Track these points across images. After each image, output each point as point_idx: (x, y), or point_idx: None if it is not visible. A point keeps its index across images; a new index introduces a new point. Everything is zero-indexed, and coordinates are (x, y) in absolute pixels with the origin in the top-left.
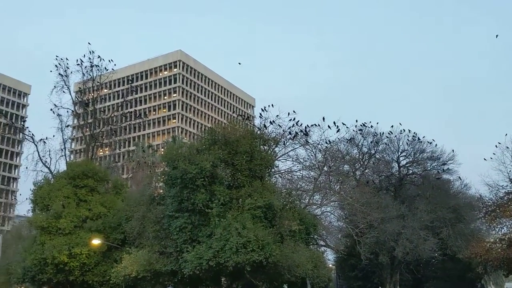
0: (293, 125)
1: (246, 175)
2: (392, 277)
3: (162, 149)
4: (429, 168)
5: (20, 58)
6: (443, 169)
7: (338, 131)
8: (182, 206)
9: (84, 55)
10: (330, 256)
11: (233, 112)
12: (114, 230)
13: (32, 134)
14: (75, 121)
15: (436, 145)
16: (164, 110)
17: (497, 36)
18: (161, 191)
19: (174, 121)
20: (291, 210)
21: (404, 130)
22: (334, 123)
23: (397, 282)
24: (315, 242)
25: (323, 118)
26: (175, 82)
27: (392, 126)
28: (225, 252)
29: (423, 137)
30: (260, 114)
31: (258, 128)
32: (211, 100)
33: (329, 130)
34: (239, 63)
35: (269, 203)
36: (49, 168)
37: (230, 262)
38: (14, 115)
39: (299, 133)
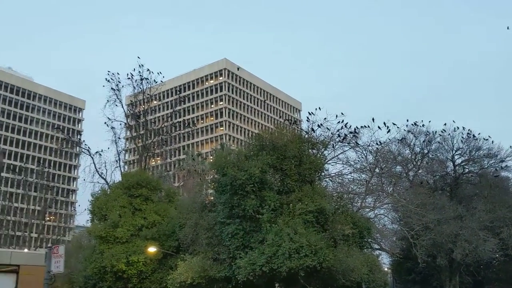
0: (342, 127)
1: (295, 180)
2: (452, 280)
3: (211, 157)
4: (486, 166)
5: (74, 74)
6: (501, 166)
7: (388, 131)
8: (233, 213)
9: (134, 69)
10: (385, 260)
11: (280, 117)
12: (169, 238)
13: (88, 147)
14: (128, 133)
15: (492, 141)
16: (212, 118)
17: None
18: (212, 198)
19: (222, 128)
20: (343, 214)
21: (458, 128)
22: (384, 123)
23: (457, 285)
24: (369, 245)
25: (373, 119)
26: (221, 90)
27: (445, 124)
28: (278, 257)
29: (479, 134)
30: (307, 117)
31: (305, 131)
32: (257, 106)
33: (379, 131)
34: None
35: (320, 208)
36: (105, 179)
37: (283, 268)
38: (71, 129)
39: (348, 135)
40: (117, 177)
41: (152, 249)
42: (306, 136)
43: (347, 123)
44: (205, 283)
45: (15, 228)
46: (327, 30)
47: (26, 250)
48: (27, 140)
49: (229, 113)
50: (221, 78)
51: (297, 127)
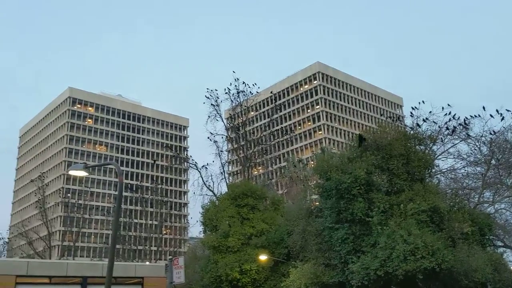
0: (450, 119)
1: (404, 179)
2: None
3: (312, 162)
4: None
5: (177, 94)
6: None
7: (502, 119)
8: (341, 217)
9: (231, 83)
10: (511, 257)
11: (381, 115)
12: (278, 245)
13: (195, 162)
14: (229, 145)
15: None
16: (309, 123)
17: None
18: (317, 203)
19: (320, 132)
20: (460, 211)
21: None
22: (497, 111)
23: None
24: (492, 243)
25: (483, 108)
26: (316, 94)
27: None
28: (392, 260)
29: None
30: (411, 112)
31: (410, 127)
32: (355, 106)
33: (492, 120)
34: None
35: (434, 206)
36: (212, 191)
37: (399, 271)
38: (178, 147)
39: (457, 127)
40: (223, 189)
41: (263, 257)
42: (412, 132)
43: (455, 114)
44: None
45: (136, 243)
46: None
47: (147, 262)
48: (141, 160)
49: (326, 116)
50: (315, 82)
51: (401, 124)
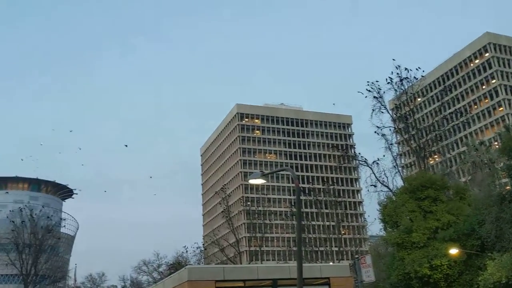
0: None
1: None
2: None
3: (496, 143)
4: None
5: (336, 93)
6: None
7: None
8: None
9: (392, 72)
10: None
11: None
12: (469, 237)
13: (365, 159)
14: (399, 137)
15: None
16: (486, 100)
17: None
18: (509, 187)
19: (501, 109)
20: None
21: None
22: None
23: None
24: None
25: None
26: (490, 68)
27: None
28: None
29: None
30: None
31: None
32: None
33: None
34: None
35: None
36: (387, 187)
37: None
38: (344, 145)
39: None
40: (399, 183)
41: (453, 251)
42: None
43: None
44: None
45: (317, 244)
46: None
47: (331, 263)
48: (309, 164)
49: (505, 89)
50: (486, 54)
51: None
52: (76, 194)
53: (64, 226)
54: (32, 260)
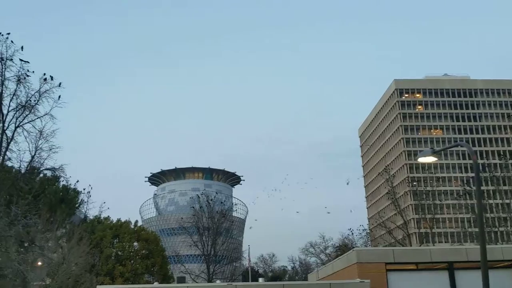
0: None
1: None
2: None
3: None
4: None
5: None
6: None
7: None
8: None
9: None
10: None
11: None
12: None
13: None
14: None
15: None
16: None
17: None
18: None
19: None
20: None
21: None
22: None
23: None
24: None
25: None
26: None
27: None
28: None
29: None
30: None
31: None
32: None
33: None
34: None
35: None
36: None
37: None
38: None
39: None
40: None
41: None
42: None
43: None
44: None
45: (495, 224)
46: None
47: None
48: (481, 137)
49: None
50: None
51: None
52: (243, 180)
53: (236, 210)
54: (211, 241)
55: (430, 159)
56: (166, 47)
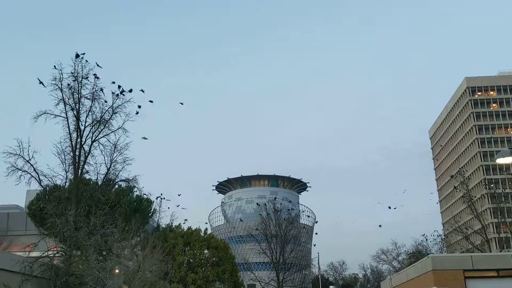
0: None
1: None
2: None
3: None
4: None
5: None
6: None
7: None
8: None
9: None
10: None
11: None
12: None
13: None
14: None
15: None
16: None
17: None
18: None
19: None
20: None
21: None
22: None
23: None
24: None
25: None
26: None
27: None
28: None
29: None
30: None
31: None
32: None
33: None
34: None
35: None
36: None
37: None
38: None
39: None
40: None
41: None
42: None
43: None
44: None
45: None
46: None
47: None
48: None
49: None
50: None
51: None
52: (310, 187)
53: (303, 217)
54: (279, 249)
55: (510, 160)
56: (224, 48)
